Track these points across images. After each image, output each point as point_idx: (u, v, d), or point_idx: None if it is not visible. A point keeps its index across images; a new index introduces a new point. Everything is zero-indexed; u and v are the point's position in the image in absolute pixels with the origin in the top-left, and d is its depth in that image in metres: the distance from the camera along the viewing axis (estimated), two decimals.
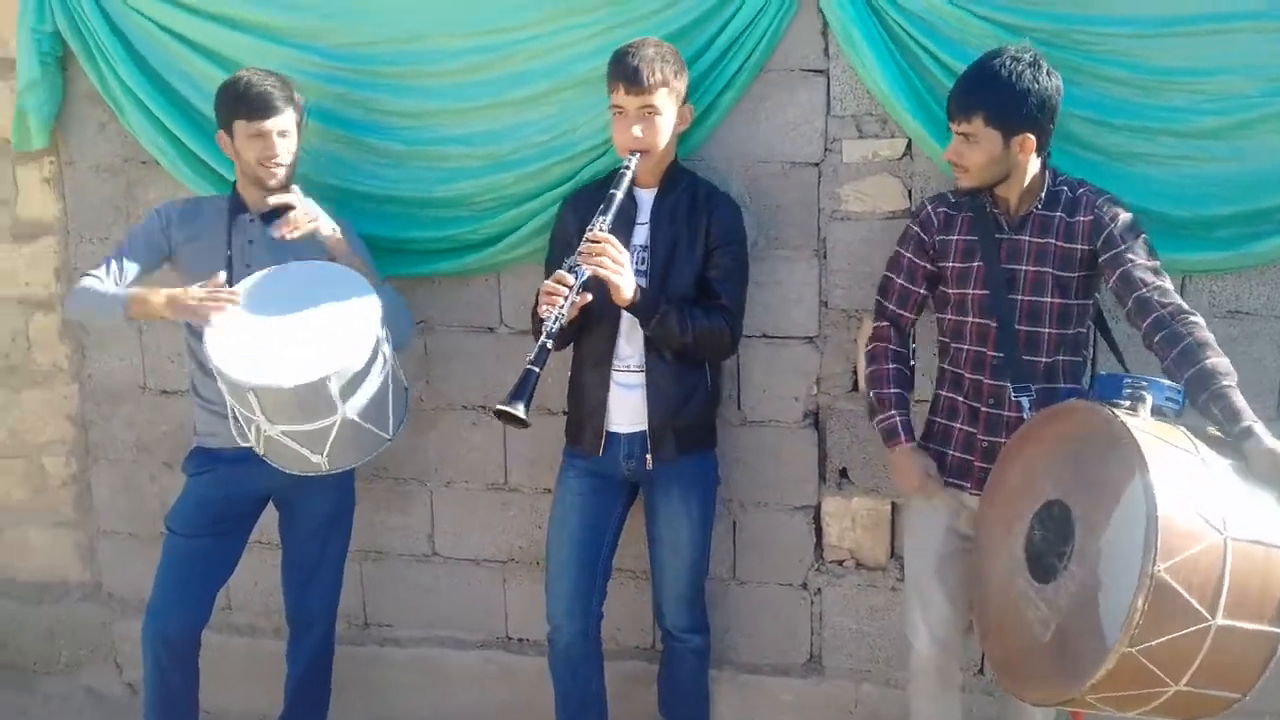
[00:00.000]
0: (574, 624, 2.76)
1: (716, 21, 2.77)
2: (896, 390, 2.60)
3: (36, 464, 3.53)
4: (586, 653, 2.81)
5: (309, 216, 2.65)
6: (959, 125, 2.39)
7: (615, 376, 2.67)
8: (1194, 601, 1.87)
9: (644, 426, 2.66)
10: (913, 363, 2.71)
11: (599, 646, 2.85)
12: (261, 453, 2.61)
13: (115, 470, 3.46)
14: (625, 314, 2.60)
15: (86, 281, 2.67)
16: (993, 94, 2.33)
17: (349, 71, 3.00)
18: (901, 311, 2.64)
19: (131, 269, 2.72)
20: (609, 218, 2.47)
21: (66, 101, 3.23)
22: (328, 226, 2.68)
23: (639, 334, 2.63)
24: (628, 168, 2.54)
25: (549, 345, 2.34)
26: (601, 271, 2.43)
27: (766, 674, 3.15)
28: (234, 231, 2.75)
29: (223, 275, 2.58)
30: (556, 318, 2.35)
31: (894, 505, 2.99)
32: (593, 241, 2.44)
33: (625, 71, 2.51)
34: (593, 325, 2.66)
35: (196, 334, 2.62)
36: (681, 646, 2.85)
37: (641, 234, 2.65)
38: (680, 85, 2.59)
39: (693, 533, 2.75)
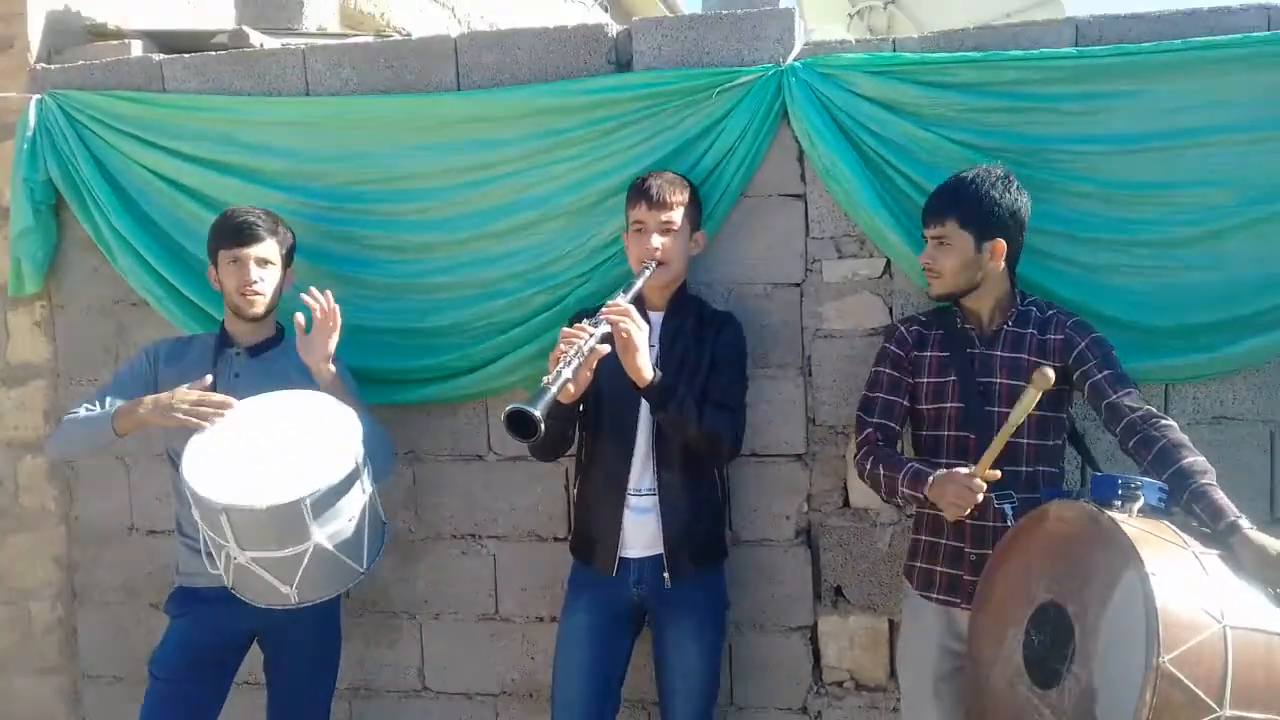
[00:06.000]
0: None
1: (694, 153, 2.85)
2: (900, 456, 2.52)
3: (23, 609, 3.48)
4: None
5: (325, 352, 2.69)
6: (933, 229, 2.48)
7: (629, 500, 2.65)
8: (1200, 692, 1.84)
9: (659, 550, 2.64)
10: None
11: None
12: (230, 584, 2.53)
13: (101, 613, 3.40)
14: (640, 438, 2.62)
15: (69, 418, 2.67)
16: (966, 198, 2.44)
17: (337, 210, 3.06)
18: (886, 423, 2.59)
19: (118, 404, 2.70)
20: (629, 297, 2.49)
21: (59, 247, 3.29)
22: (328, 369, 2.70)
23: (651, 457, 2.63)
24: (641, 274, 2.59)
25: (567, 374, 2.27)
26: (624, 332, 2.38)
27: None
28: (220, 365, 2.76)
29: (209, 379, 2.56)
30: (577, 352, 2.31)
31: (891, 623, 2.95)
32: (613, 308, 2.42)
33: (648, 192, 2.65)
34: (607, 446, 2.67)
35: (175, 461, 2.59)
36: None
37: (650, 356, 2.65)
38: (693, 211, 2.71)
39: (704, 658, 2.69)
